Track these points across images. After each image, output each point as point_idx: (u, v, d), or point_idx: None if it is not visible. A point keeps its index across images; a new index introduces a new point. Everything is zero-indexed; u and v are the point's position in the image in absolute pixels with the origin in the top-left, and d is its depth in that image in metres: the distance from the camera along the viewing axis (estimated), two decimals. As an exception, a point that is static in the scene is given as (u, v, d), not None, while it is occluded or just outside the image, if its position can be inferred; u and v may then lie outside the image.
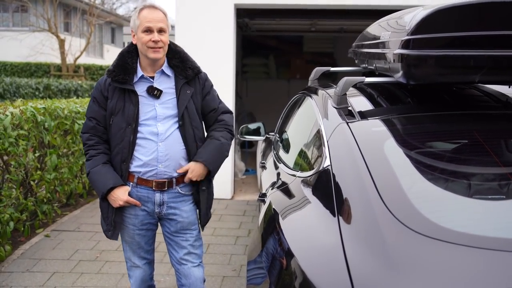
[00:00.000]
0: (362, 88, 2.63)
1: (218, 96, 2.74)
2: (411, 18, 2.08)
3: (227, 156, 2.68)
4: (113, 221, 2.56)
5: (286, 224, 1.97)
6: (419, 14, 2.04)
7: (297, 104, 3.55)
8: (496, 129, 2.22)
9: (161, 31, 2.44)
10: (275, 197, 2.42)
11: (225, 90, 6.03)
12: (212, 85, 2.71)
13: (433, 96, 2.47)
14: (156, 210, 2.59)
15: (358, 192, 1.75)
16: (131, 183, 2.56)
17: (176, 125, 2.53)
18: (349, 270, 1.45)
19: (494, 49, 1.99)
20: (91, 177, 2.54)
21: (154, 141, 2.50)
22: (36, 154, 4.71)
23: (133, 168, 2.53)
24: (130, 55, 2.54)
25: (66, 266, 4.05)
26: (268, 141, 4.47)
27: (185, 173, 2.56)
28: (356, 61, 3.20)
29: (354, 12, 6.60)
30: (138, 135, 2.50)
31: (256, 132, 4.32)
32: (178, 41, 5.65)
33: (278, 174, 2.91)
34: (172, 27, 4.79)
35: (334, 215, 1.74)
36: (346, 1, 6.05)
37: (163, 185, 2.55)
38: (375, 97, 2.47)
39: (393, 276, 1.40)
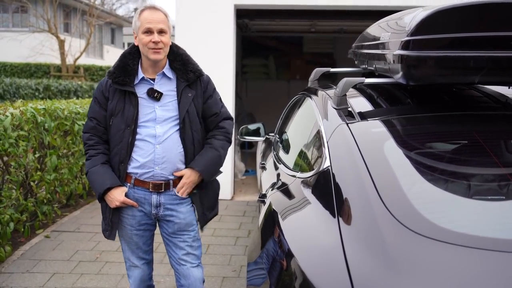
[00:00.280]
0: (362, 89, 2.63)
1: (220, 100, 2.72)
2: (411, 19, 2.08)
3: (222, 165, 2.69)
4: (111, 221, 2.57)
5: (286, 225, 1.97)
6: (419, 15, 2.05)
7: (297, 105, 3.55)
8: (496, 129, 2.22)
9: (161, 32, 2.44)
10: (275, 198, 2.42)
11: (225, 90, 6.03)
12: (214, 88, 2.69)
13: (433, 97, 2.47)
14: (153, 212, 2.59)
15: (358, 192, 1.75)
16: (129, 184, 2.56)
17: (175, 128, 2.53)
18: (349, 271, 1.45)
19: (493, 50, 1.99)
20: (89, 177, 2.55)
21: (152, 143, 2.50)
22: (36, 155, 4.72)
23: (131, 169, 2.54)
24: (131, 56, 2.55)
25: (66, 266, 4.05)
26: (268, 142, 4.47)
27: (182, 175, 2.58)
28: (356, 62, 3.20)
29: (354, 12, 6.60)
30: (137, 136, 2.51)
31: (256, 132, 4.32)
32: (178, 42, 5.65)
33: (278, 174, 2.91)
34: (173, 27, 4.79)
35: (334, 216, 1.75)
36: (346, 2, 6.05)
37: (160, 187, 2.55)
38: (375, 98, 2.47)
39: (393, 277, 1.40)
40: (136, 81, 2.53)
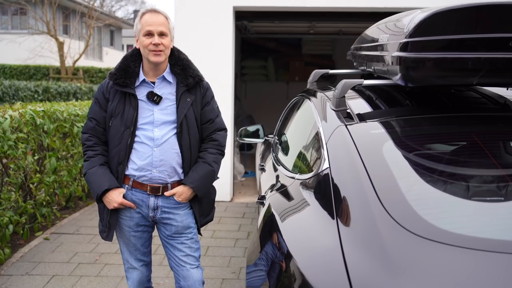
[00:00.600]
0: (360, 91, 2.64)
1: (217, 109, 2.72)
2: (409, 21, 2.09)
3: (215, 180, 2.70)
4: (108, 222, 2.58)
5: (285, 226, 1.97)
6: (417, 17, 2.05)
7: (296, 107, 3.56)
8: (494, 131, 2.23)
9: (162, 34, 2.45)
10: (274, 200, 2.42)
11: (224, 92, 6.04)
12: (213, 96, 2.70)
13: (431, 99, 2.47)
14: (150, 214, 2.59)
15: (356, 194, 1.75)
16: (127, 186, 2.56)
17: (173, 132, 2.53)
18: (348, 272, 1.45)
19: (492, 51, 2.00)
20: (87, 178, 2.55)
21: (150, 146, 2.50)
22: (35, 157, 4.71)
23: (129, 171, 2.54)
24: (133, 59, 2.56)
25: (65, 269, 4.05)
26: (267, 144, 4.47)
27: (180, 178, 2.58)
28: (354, 64, 3.21)
29: (352, 14, 6.61)
30: (136, 138, 2.51)
31: (255, 134, 4.32)
32: (177, 45, 5.66)
33: (277, 176, 2.92)
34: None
35: (333, 217, 1.75)
36: (344, 4, 6.06)
37: (158, 190, 2.55)
38: (373, 100, 2.48)
39: (391, 278, 1.40)
40: (137, 83, 2.53)
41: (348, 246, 1.56)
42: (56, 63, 20.95)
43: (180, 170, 2.57)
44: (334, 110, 2.30)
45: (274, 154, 3.55)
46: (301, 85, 5.66)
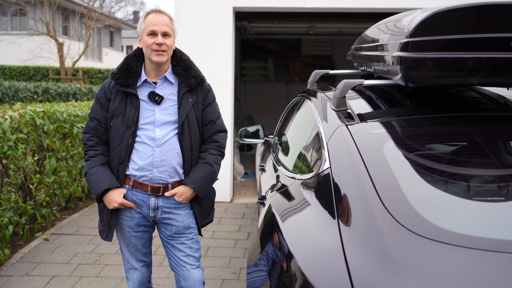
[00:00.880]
0: (361, 91, 2.64)
1: (218, 111, 2.73)
2: (410, 21, 2.09)
3: (215, 181, 2.70)
4: (108, 222, 2.57)
5: (286, 226, 1.97)
6: (417, 17, 2.05)
7: (296, 107, 3.56)
8: (495, 131, 2.23)
9: (165, 34, 2.46)
10: (274, 200, 2.42)
11: (224, 93, 6.04)
12: (214, 98, 2.71)
13: (432, 99, 2.47)
14: (150, 214, 2.59)
15: (357, 193, 1.75)
16: (127, 186, 2.56)
17: (174, 132, 2.54)
18: (350, 272, 1.45)
19: (492, 51, 2.00)
20: (88, 178, 2.55)
21: (151, 146, 2.51)
22: (35, 158, 4.71)
23: (130, 171, 2.54)
24: (135, 59, 2.57)
25: (65, 269, 4.05)
26: (267, 144, 4.47)
27: (181, 178, 2.58)
28: (355, 64, 3.21)
29: (352, 15, 6.62)
30: (137, 138, 2.51)
31: (255, 135, 4.32)
32: (177, 45, 5.66)
33: (278, 176, 2.91)
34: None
35: (334, 217, 1.75)
36: (344, 4, 6.06)
37: (158, 190, 2.55)
38: (374, 100, 2.48)
39: (393, 278, 1.40)
40: (139, 84, 2.54)
41: (349, 245, 1.56)
42: (56, 64, 20.96)
43: (181, 171, 2.57)
44: (335, 110, 2.30)
45: (274, 155, 3.54)
46: (301, 86, 5.67)
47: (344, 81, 2.28)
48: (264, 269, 1.93)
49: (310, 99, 2.96)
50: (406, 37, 2.04)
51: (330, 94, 2.64)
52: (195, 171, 2.58)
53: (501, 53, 1.99)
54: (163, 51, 2.46)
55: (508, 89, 2.47)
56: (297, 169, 2.60)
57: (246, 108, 9.26)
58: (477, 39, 2.00)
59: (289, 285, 1.63)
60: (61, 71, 19.60)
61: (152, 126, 2.51)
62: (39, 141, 4.79)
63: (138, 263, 2.72)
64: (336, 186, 1.88)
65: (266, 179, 3.40)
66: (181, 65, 2.59)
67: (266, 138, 4.38)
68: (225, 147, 2.72)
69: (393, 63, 2.13)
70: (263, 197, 2.76)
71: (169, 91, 2.56)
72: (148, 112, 2.52)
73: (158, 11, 2.50)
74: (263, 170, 3.82)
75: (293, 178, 2.47)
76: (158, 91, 2.54)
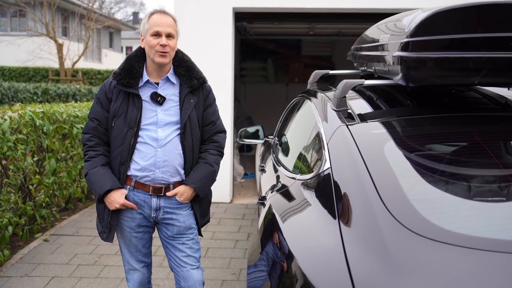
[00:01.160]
0: (361, 91, 2.63)
1: (218, 112, 2.75)
2: (410, 21, 2.09)
3: (215, 181, 2.71)
4: (109, 223, 2.56)
5: (287, 227, 1.97)
6: (418, 17, 2.05)
7: (296, 107, 3.55)
8: (496, 131, 2.22)
9: (169, 36, 2.46)
10: (275, 200, 2.42)
11: (223, 94, 6.04)
12: (215, 99, 2.73)
13: (432, 99, 2.47)
14: (152, 215, 2.59)
15: (358, 193, 1.75)
16: (129, 187, 2.56)
17: (176, 132, 2.54)
18: (350, 273, 1.45)
19: (493, 51, 1.99)
20: (89, 178, 2.54)
21: (153, 146, 2.50)
22: (35, 159, 4.71)
23: (131, 171, 2.54)
24: (137, 59, 2.56)
25: (65, 270, 4.04)
26: (267, 145, 4.47)
27: (182, 179, 2.59)
28: (355, 64, 3.21)
29: (352, 15, 6.62)
30: (139, 139, 2.51)
31: (255, 135, 4.32)
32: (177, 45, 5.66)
33: (278, 177, 2.91)
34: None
35: (334, 218, 1.74)
36: (344, 5, 6.06)
37: (160, 191, 2.55)
38: (374, 100, 2.47)
39: (394, 278, 1.40)
40: (141, 84, 2.53)
41: (350, 246, 1.56)
42: (55, 65, 20.95)
43: (182, 171, 2.57)
44: (335, 110, 2.30)
45: (274, 155, 3.54)
46: (301, 87, 5.66)
47: (345, 81, 2.28)
48: (264, 270, 1.92)
49: (310, 100, 2.95)
50: (406, 37, 2.03)
51: (330, 94, 2.64)
52: (195, 171, 2.59)
53: (502, 53, 1.98)
54: (167, 52, 2.46)
55: (508, 89, 2.46)
56: (297, 169, 2.59)
57: (245, 109, 9.26)
58: (477, 39, 2.00)
59: (290, 285, 1.62)
60: (60, 72, 19.59)
61: (155, 127, 2.51)
62: (39, 142, 4.78)
63: (138, 264, 2.71)
64: (336, 186, 1.88)
65: (266, 180, 3.40)
66: (183, 66, 2.59)
67: (266, 139, 4.38)
68: (224, 147, 2.73)
69: (393, 63, 2.13)
70: (263, 198, 2.76)
71: (171, 92, 2.56)
72: (150, 113, 2.51)
73: (163, 12, 2.50)
74: (263, 170, 3.81)
75: (294, 178, 2.47)
76: (160, 91, 2.53)
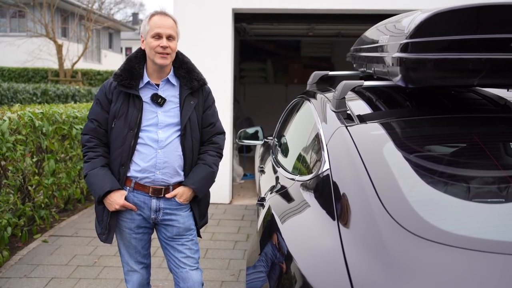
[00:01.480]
0: (360, 92, 2.64)
1: (217, 113, 2.75)
2: (410, 22, 2.09)
3: (214, 182, 2.72)
4: (108, 224, 2.56)
5: (286, 228, 1.97)
6: (417, 18, 2.05)
7: (295, 108, 3.55)
8: (495, 132, 2.22)
9: (170, 37, 2.46)
10: (274, 201, 2.42)
11: (223, 95, 6.04)
12: (214, 101, 2.73)
13: (431, 100, 2.47)
14: (152, 216, 2.58)
15: (357, 195, 1.75)
16: (128, 188, 2.56)
17: (176, 134, 2.54)
18: (349, 274, 1.45)
19: (492, 52, 1.99)
20: (88, 180, 2.54)
21: (154, 147, 2.50)
22: (34, 159, 4.70)
23: (131, 172, 2.53)
24: (137, 60, 2.56)
25: (64, 271, 4.03)
26: (266, 146, 4.47)
27: (182, 180, 2.58)
28: (354, 65, 3.21)
29: (351, 16, 6.62)
30: (139, 140, 2.51)
31: (254, 136, 4.32)
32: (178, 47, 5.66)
33: (277, 178, 2.91)
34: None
35: (333, 219, 1.74)
36: (343, 6, 6.06)
37: (160, 192, 2.55)
38: (373, 101, 2.47)
39: (393, 279, 1.40)
40: (141, 85, 2.53)
41: (349, 247, 1.56)
42: (55, 65, 20.94)
43: (181, 172, 2.57)
44: (334, 112, 2.30)
45: (273, 156, 3.54)
46: (300, 88, 5.66)
47: (344, 82, 2.28)
48: (263, 271, 1.92)
49: (309, 101, 2.95)
50: (406, 38, 2.03)
51: (329, 95, 2.64)
52: (194, 172, 2.59)
53: (501, 54, 1.99)
54: (167, 54, 2.46)
55: (508, 90, 2.47)
56: (296, 170, 2.59)
57: (245, 110, 9.26)
58: (477, 40, 2.00)
59: (289, 286, 1.62)
60: (60, 72, 19.58)
61: (155, 128, 2.51)
62: (38, 143, 4.78)
63: (138, 265, 2.71)
64: (335, 187, 1.88)
65: (265, 181, 3.40)
66: (184, 67, 2.59)
67: (265, 140, 4.38)
68: (223, 148, 2.74)
69: (393, 64, 2.13)
70: (263, 199, 2.76)
71: (171, 93, 2.56)
72: (150, 114, 2.51)
73: (163, 14, 2.50)
74: (262, 171, 3.81)
75: (293, 179, 2.47)
76: (160, 93, 2.53)
